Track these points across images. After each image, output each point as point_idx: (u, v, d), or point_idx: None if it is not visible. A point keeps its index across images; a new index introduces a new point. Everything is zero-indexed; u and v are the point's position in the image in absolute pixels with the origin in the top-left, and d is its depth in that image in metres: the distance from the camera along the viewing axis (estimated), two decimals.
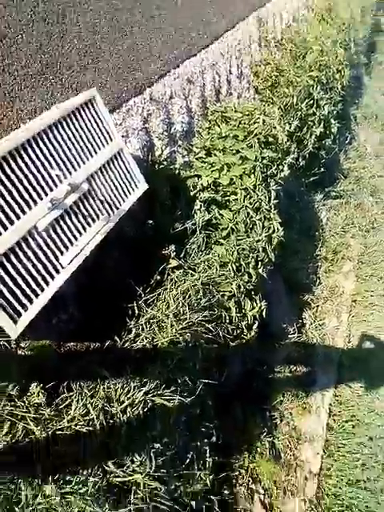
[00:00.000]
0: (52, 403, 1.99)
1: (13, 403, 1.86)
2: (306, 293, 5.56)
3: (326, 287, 6.06)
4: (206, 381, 2.68)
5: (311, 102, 4.74)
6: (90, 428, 1.92)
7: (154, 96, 2.84)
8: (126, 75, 2.60)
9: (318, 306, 5.80)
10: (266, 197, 3.45)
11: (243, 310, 3.41)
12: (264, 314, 3.55)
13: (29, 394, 1.95)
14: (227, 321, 3.18)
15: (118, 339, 2.33)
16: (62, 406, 1.98)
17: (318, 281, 5.88)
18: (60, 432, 1.85)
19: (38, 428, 1.83)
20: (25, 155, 1.78)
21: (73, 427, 1.88)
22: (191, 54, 3.28)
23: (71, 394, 2.01)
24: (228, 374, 3.32)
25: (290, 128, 4.31)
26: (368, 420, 4.77)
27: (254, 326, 3.51)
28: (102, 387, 2.03)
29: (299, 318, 5.32)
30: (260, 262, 3.48)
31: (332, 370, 5.20)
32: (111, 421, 2.03)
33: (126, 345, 2.40)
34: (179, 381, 2.49)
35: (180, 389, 2.46)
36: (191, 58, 3.27)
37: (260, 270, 3.46)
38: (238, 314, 3.30)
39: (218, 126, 3.42)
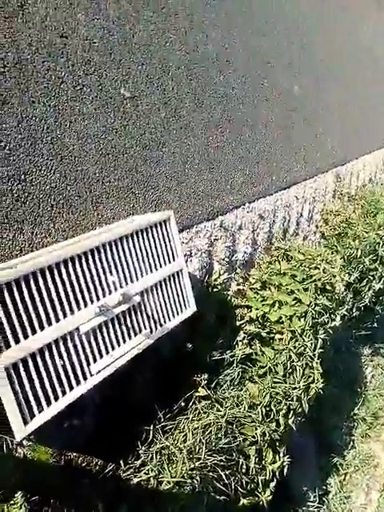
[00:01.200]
0: None
1: None
2: (336, 455, 4.97)
3: (360, 454, 5.42)
4: None
5: (375, 257, 4.76)
6: None
7: (224, 223, 2.99)
8: (203, 201, 2.79)
9: (347, 474, 5.14)
10: (312, 344, 3.32)
11: (263, 461, 3.08)
12: (285, 470, 3.19)
13: (11, 502, 1.77)
14: (243, 470, 2.86)
15: (122, 463, 2.13)
16: None
17: (351, 444, 5.29)
18: None
19: None
20: (90, 258, 1.86)
21: None
22: (268, 193, 3.50)
23: None
24: None
25: (349, 278, 4.28)
26: None
27: (272, 484, 3.13)
28: None
29: (324, 483, 4.69)
30: (292, 411, 3.23)
31: None
32: None
33: (130, 472, 2.18)
34: None
35: None
36: (267, 197, 3.49)
37: (290, 420, 3.19)
38: (257, 465, 2.98)
39: (279, 263, 3.47)
